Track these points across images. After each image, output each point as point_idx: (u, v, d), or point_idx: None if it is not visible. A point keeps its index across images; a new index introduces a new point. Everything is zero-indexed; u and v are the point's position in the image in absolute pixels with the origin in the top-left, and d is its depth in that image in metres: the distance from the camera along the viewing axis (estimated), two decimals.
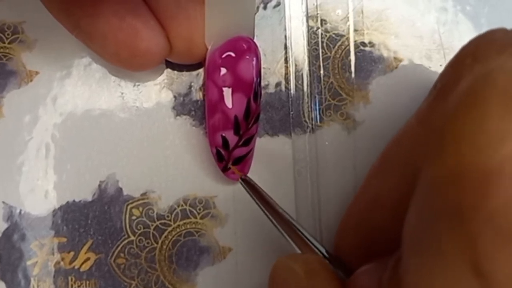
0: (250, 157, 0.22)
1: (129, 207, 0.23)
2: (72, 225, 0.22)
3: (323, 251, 0.19)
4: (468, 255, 0.11)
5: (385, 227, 0.16)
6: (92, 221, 0.23)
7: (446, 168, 0.12)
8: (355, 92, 0.23)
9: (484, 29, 0.23)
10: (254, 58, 0.21)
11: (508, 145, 0.12)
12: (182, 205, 0.23)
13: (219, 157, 0.22)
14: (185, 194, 0.23)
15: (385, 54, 0.23)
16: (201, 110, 0.23)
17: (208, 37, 0.21)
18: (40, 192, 0.23)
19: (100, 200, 0.23)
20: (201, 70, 0.23)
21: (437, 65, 0.23)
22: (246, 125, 0.21)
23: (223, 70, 0.21)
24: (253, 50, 0.21)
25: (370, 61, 0.23)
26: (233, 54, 0.21)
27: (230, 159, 0.21)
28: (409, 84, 0.23)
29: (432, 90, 0.17)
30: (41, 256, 0.22)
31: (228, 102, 0.21)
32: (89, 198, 0.23)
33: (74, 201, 0.23)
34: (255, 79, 0.21)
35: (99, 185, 0.23)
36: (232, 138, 0.21)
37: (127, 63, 0.21)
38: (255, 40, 0.22)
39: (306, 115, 0.23)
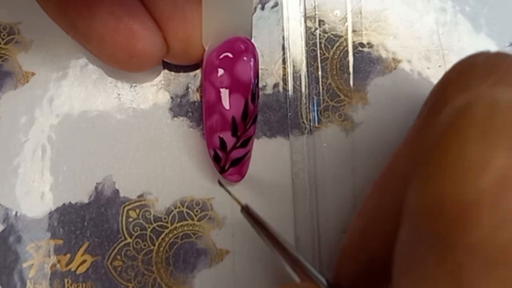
0: (247, 159, 0.22)
1: (125, 209, 0.22)
2: (68, 227, 0.22)
3: (323, 280, 0.19)
4: (454, 284, 0.12)
5: (382, 253, 0.16)
6: (88, 223, 0.22)
7: (429, 198, 0.12)
8: (353, 93, 0.23)
9: (483, 30, 0.23)
10: (252, 59, 0.21)
11: (486, 177, 0.12)
12: (179, 207, 0.23)
13: (216, 159, 0.21)
14: (182, 196, 0.23)
15: (383, 55, 0.23)
16: (198, 112, 0.23)
17: (205, 38, 0.21)
18: (36, 194, 0.22)
19: (97, 202, 0.22)
20: (198, 71, 0.23)
21: (436, 66, 0.23)
22: (244, 126, 0.21)
23: (221, 71, 0.21)
24: (251, 50, 0.21)
25: (368, 62, 0.23)
26: (230, 55, 0.21)
27: (227, 160, 0.21)
28: (408, 85, 0.23)
29: (423, 108, 0.17)
30: (37, 259, 0.22)
31: (226, 103, 0.21)
32: (86, 200, 0.22)
33: (70, 203, 0.22)
34: (252, 80, 0.21)
35: (96, 187, 0.22)
36: (229, 140, 0.21)
37: (124, 64, 0.21)
38: (252, 41, 0.21)
39: (304, 116, 0.23)
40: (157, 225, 0.22)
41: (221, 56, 0.21)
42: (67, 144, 0.23)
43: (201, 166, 0.23)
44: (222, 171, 0.22)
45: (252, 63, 0.21)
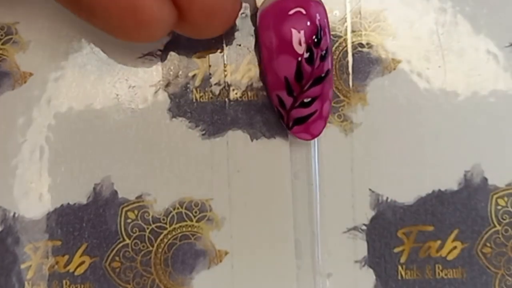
0: (316, 120, 0.21)
1: (124, 210, 0.22)
2: (66, 228, 0.22)
3: None
4: None
5: None
6: (86, 224, 0.22)
7: None
8: (353, 93, 0.23)
9: (483, 30, 0.23)
10: (306, 19, 0.20)
11: None
12: (178, 208, 0.22)
13: (280, 116, 0.22)
14: (181, 197, 0.22)
15: (383, 55, 0.23)
16: (197, 112, 0.23)
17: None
18: (34, 195, 0.22)
19: (95, 203, 0.22)
20: (197, 71, 0.23)
21: (436, 66, 0.23)
22: (299, 87, 0.21)
23: (269, 30, 0.21)
24: (304, 9, 0.20)
25: (367, 62, 0.23)
26: (280, 14, 0.20)
27: (289, 119, 0.21)
28: (407, 85, 0.23)
29: None
30: (35, 260, 0.22)
31: (276, 63, 0.21)
32: (84, 201, 0.22)
33: (68, 204, 0.22)
34: (305, 40, 0.20)
35: (94, 188, 0.22)
36: (286, 99, 0.21)
37: (132, 35, 0.20)
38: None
39: None
40: (156, 226, 0.22)
41: (271, 15, 0.21)
42: (65, 145, 0.23)
43: (200, 167, 0.22)
44: (287, 127, 0.22)
45: (307, 23, 0.20)
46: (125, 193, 0.22)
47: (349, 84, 0.23)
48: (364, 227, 0.23)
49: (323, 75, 0.21)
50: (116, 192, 0.22)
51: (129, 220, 0.22)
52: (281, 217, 0.22)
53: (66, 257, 0.22)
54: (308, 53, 0.20)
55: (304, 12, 0.20)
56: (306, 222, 0.23)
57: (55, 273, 0.22)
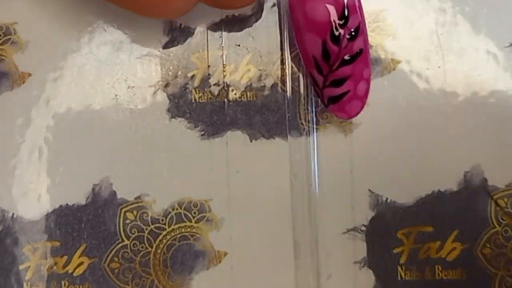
0: (350, 100, 0.21)
1: (123, 210, 0.22)
2: (65, 229, 0.22)
3: None
4: None
5: None
6: (85, 225, 0.22)
7: None
8: None
9: (483, 30, 0.23)
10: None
11: None
12: (177, 209, 0.22)
13: (316, 94, 0.22)
14: (180, 198, 0.22)
15: (382, 55, 0.23)
16: (196, 112, 0.23)
17: None
18: (33, 196, 0.22)
19: (94, 204, 0.22)
20: (195, 72, 0.23)
21: (436, 67, 0.23)
22: (328, 67, 0.21)
23: (296, 10, 0.21)
24: None
25: None
26: None
27: (324, 97, 0.22)
28: (407, 86, 0.23)
29: None
30: (34, 261, 0.22)
31: (303, 42, 0.21)
32: (83, 202, 0.22)
33: (67, 204, 0.22)
34: (332, 19, 0.20)
35: (93, 189, 0.22)
36: (318, 77, 0.21)
37: (158, 9, 0.20)
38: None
39: (302, 117, 0.23)
40: (155, 227, 0.22)
41: None
42: (64, 145, 0.22)
43: (199, 168, 0.22)
44: (324, 105, 0.22)
45: (332, 2, 0.20)
46: (124, 193, 0.22)
47: None
48: (363, 228, 0.23)
49: (354, 54, 0.21)
50: (115, 192, 0.22)
51: (128, 221, 0.22)
52: (280, 218, 0.22)
53: (65, 257, 0.22)
54: (335, 32, 0.20)
55: None
56: (306, 223, 0.22)
57: (54, 274, 0.22)
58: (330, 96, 0.21)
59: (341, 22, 0.20)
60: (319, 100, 0.22)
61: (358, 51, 0.21)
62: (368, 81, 0.22)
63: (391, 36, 0.23)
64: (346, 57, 0.21)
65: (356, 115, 0.22)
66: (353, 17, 0.21)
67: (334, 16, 0.20)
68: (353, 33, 0.21)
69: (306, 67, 0.22)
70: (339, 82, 0.21)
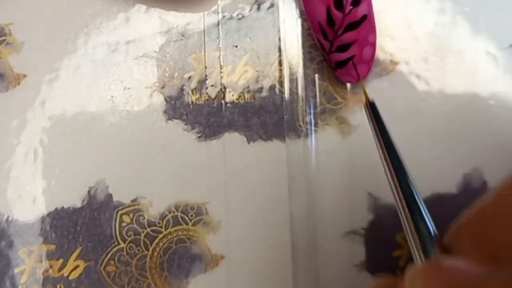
0: (357, 63, 0.22)
1: (119, 213, 0.22)
2: (61, 232, 0.22)
3: (431, 229, 0.17)
4: None
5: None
6: (81, 227, 0.22)
7: None
8: (350, 95, 0.23)
9: (482, 31, 0.23)
10: None
11: None
12: (173, 212, 0.22)
13: (324, 59, 0.22)
14: (176, 200, 0.22)
15: (381, 56, 0.23)
16: (193, 114, 0.22)
17: None
18: (28, 198, 0.22)
19: (90, 206, 0.22)
20: (192, 73, 0.23)
21: (434, 68, 0.23)
22: (333, 33, 0.21)
23: None
24: None
25: None
26: None
27: (332, 61, 0.22)
28: (406, 87, 0.23)
29: None
30: (29, 264, 0.22)
31: (310, 8, 0.21)
32: (78, 204, 0.22)
33: (63, 207, 0.22)
34: None
35: (89, 191, 0.22)
36: (325, 43, 0.22)
37: None
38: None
39: (300, 119, 0.23)
40: (151, 230, 0.22)
41: None
42: (59, 148, 0.22)
43: (196, 170, 0.22)
44: (333, 70, 0.22)
45: None
46: (120, 196, 0.22)
47: (346, 86, 0.23)
48: (362, 231, 0.22)
49: (357, 20, 0.21)
50: (111, 195, 0.22)
51: (124, 224, 0.22)
52: (278, 221, 0.22)
53: (61, 261, 0.22)
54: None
55: None
56: (304, 226, 0.22)
57: (49, 277, 0.22)
58: (337, 61, 0.22)
59: None
60: (317, 101, 0.22)
61: (362, 16, 0.21)
62: (373, 46, 0.22)
63: (390, 37, 0.23)
64: (351, 23, 0.21)
65: (363, 78, 0.22)
66: None
67: None
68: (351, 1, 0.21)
69: (314, 34, 0.22)
70: (344, 47, 0.21)
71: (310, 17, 0.22)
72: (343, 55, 0.21)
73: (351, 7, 0.21)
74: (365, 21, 0.21)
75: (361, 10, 0.21)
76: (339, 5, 0.21)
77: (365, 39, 0.21)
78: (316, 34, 0.22)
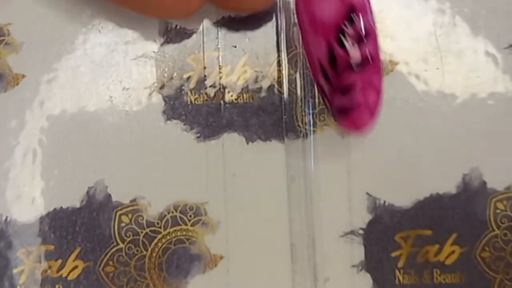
0: (362, 110, 0.19)
1: (118, 213, 0.22)
2: (59, 232, 0.22)
3: None
4: None
5: None
6: (80, 228, 0.22)
7: None
8: None
9: (481, 32, 0.23)
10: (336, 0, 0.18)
11: None
12: (172, 212, 0.22)
13: (324, 103, 0.20)
14: (175, 201, 0.22)
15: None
16: (191, 114, 0.22)
17: None
18: (27, 199, 0.22)
19: (89, 207, 0.22)
20: (191, 73, 0.23)
21: (434, 68, 0.23)
22: (334, 72, 0.18)
23: (303, 9, 0.19)
24: None
25: None
26: None
27: (332, 106, 0.19)
28: (405, 87, 0.23)
29: None
30: (28, 264, 0.22)
31: (309, 45, 0.19)
32: (77, 205, 0.22)
33: (61, 207, 0.22)
34: (339, 21, 0.18)
35: (88, 191, 0.22)
36: (324, 84, 0.19)
37: (171, 9, 0.20)
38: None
39: (299, 119, 0.23)
40: (150, 230, 0.22)
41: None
42: (58, 148, 0.22)
43: (194, 170, 0.22)
44: (334, 118, 0.20)
45: (337, 1, 0.18)
46: (119, 196, 0.22)
47: None
48: (361, 231, 0.22)
49: (359, 62, 0.18)
50: (110, 195, 0.22)
51: (123, 224, 0.22)
52: (277, 221, 0.22)
53: (59, 261, 0.22)
54: (340, 35, 0.18)
55: None
56: (303, 226, 0.22)
57: (48, 277, 0.22)
58: (338, 106, 0.19)
59: (348, 23, 0.18)
60: (316, 101, 0.22)
61: (365, 58, 0.19)
62: (379, 91, 0.19)
63: (389, 37, 0.23)
64: (348, 63, 0.19)
65: (364, 127, 0.19)
66: (364, 19, 0.19)
67: (341, 16, 0.18)
68: (362, 36, 0.18)
69: (313, 74, 0.20)
70: (346, 90, 0.19)
71: (310, 55, 0.19)
72: (345, 99, 0.19)
73: (352, 45, 0.18)
74: (372, 62, 0.19)
75: (366, 49, 0.19)
76: (342, 42, 0.18)
77: (369, 81, 0.19)
78: (315, 75, 0.19)
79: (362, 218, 0.22)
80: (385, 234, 0.22)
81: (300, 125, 0.23)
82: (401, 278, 0.22)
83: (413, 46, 0.23)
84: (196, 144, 0.22)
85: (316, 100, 0.23)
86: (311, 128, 0.23)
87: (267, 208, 0.22)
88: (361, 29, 0.18)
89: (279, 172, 0.22)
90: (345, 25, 0.18)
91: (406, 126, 0.23)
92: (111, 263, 0.22)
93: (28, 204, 0.22)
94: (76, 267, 0.22)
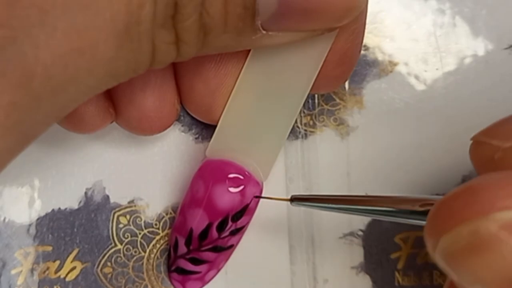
0: (195, 279, 0.21)
1: (116, 215, 0.22)
2: (57, 234, 0.22)
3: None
4: None
5: None
6: (78, 229, 0.22)
7: None
8: (349, 96, 0.23)
9: (481, 32, 0.23)
10: (239, 195, 0.20)
11: None
12: (170, 213, 0.22)
13: (168, 254, 0.21)
14: (173, 202, 0.22)
15: (379, 57, 0.23)
16: (190, 116, 0.22)
17: (212, 149, 0.21)
18: (24, 200, 0.22)
19: (87, 208, 0.22)
20: None
21: (433, 69, 0.23)
22: (198, 245, 0.20)
23: (204, 181, 0.20)
24: (246, 184, 0.20)
25: (364, 64, 0.23)
26: (220, 175, 0.20)
27: (174, 263, 0.21)
28: (405, 88, 0.23)
29: None
30: (25, 265, 0.22)
31: (191, 211, 0.20)
32: (75, 206, 0.22)
33: (59, 209, 0.22)
34: (228, 212, 0.20)
35: (86, 193, 0.22)
36: (181, 247, 0.21)
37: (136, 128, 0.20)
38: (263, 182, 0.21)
39: (298, 120, 0.22)
40: (148, 231, 0.22)
41: (214, 168, 0.20)
42: (56, 149, 0.22)
43: (192, 172, 0.22)
44: (168, 269, 0.22)
45: (237, 198, 0.20)
46: (117, 197, 0.22)
47: (345, 87, 0.23)
48: (360, 233, 0.22)
49: (225, 247, 0.20)
50: (108, 196, 0.22)
51: (121, 225, 0.22)
52: (276, 223, 0.22)
53: (57, 262, 0.22)
54: (221, 222, 0.20)
55: (239, 188, 0.20)
56: (302, 228, 0.22)
57: (46, 279, 0.22)
58: (180, 267, 0.21)
59: (235, 216, 0.20)
60: (315, 102, 0.22)
61: (231, 246, 0.21)
62: (218, 271, 0.21)
63: (388, 37, 0.23)
64: (218, 246, 0.20)
65: None
66: (246, 217, 0.20)
67: (234, 209, 0.20)
68: (237, 230, 0.20)
69: (174, 230, 0.21)
70: (197, 262, 0.21)
71: (184, 217, 0.21)
72: (191, 267, 0.21)
73: (228, 234, 0.20)
74: (229, 250, 0.21)
75: (233, 240, 0.21)
76: (221, 228, 0.20)
77: (218, 264, 0.21)
78: (176, 233, 0.21)
79: (361, 220, 0.22)
80: (385, 235, 0.22)
81: (299, 126, 0.22)
82: (400, 280, 0.22)
83: (412, 47, 0.23)
84: (194, 145, 0.22)
85: (315, 101, 0.23)
86: (310, 129, 0.22)
87: (265, 209, 0.22)
88: (241, 225, 0.20)
89: (278, 172, 0.22)
90: (231, 217, 0.20)
91: (405, 127, 0.22)
92: (109, 264, 0.22)
93: (26, 205, 0.22)
94: (74, 268, 0.22)
